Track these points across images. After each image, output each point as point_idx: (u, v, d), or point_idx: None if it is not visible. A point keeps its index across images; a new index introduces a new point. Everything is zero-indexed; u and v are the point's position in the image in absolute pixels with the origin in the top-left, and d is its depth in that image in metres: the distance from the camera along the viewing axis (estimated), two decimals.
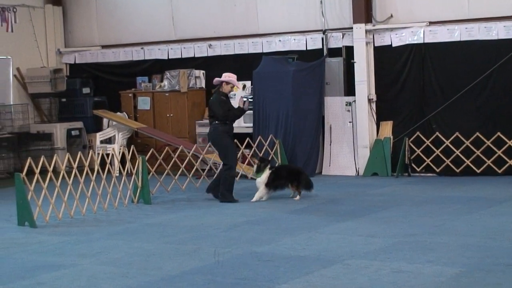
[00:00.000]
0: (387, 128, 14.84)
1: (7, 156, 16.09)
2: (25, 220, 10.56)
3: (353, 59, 14.91)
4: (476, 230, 9.21)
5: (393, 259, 7.85)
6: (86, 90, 17.52)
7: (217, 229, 9.93)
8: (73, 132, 16.93)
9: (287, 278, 7.26)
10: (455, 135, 14.13)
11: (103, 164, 12.23)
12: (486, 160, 13.93)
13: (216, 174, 12.90)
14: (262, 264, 7.90)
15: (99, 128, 17.04)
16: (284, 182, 12.17)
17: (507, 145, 13.78)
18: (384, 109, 14.94)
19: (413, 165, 14.51)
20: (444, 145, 14.25)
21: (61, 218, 10.89)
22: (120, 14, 17.87)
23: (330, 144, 15.27)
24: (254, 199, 12.11)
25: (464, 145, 14.07)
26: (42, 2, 18.08)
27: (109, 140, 16.71)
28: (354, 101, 14.96)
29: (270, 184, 12.11)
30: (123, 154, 12.70)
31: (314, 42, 15.54)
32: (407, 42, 14.59)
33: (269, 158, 13.71)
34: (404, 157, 14.46)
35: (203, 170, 14.14)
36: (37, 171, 10.57)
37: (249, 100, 13.90)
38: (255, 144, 14.40)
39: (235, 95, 14.60)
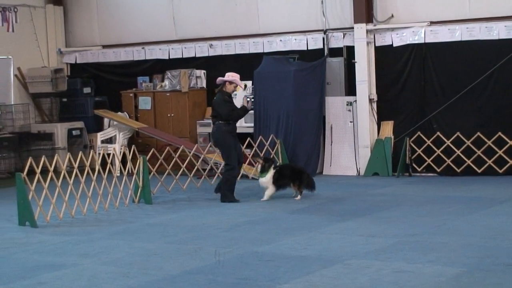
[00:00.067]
0: (388, 128, 14.84)
1: (8, 156, 16.09)
2: (26, 220, 10.56)
3: (354, 59, 14.90)
4: (477, 230, 9.21)
5: (393, 259, 7.85)
6: (87, 90, 17.52)
7: (218, 229, 9.93)
8: (74, 132, 16.93)
9: (288, 278, 7.26)
10: (456, 135, 14.13)
11: (104, 164, 12.23)
12: (487, 160, 13.92)
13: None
14: (263, 264, 7.90)
15: (100, 128, 17.04)
16: (287, 181, 12.21)
17: (508, 145, 13.77)
18: (385, 109, 14.93)
19: (414, 165, 14.50)
20: (445, 145, 14.25)
21: (62, 218, 10.89)
22: (121, 14, 17.87)
23: (331, 144, 15.26)
24: (265, 198, 12.13)
25: (465, 145, 14.06)
26: (43, 2, 18.07)
27: (110, 140, 16.71)
28: (355, 101, 14.96)
29: (275, 183, 12.16)
30: (124, 154, 12.72)
31: (315, 42, 15.54)
32: (408, 42, 14.58)
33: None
34: (405, 157, 14.45)
35: (204, 170, 14.13)
36: (38, 171, 10.55)
37: (251, 100, 13.90)
38: (256, 144, 14.39)
39: (236, 95, 14.58)
